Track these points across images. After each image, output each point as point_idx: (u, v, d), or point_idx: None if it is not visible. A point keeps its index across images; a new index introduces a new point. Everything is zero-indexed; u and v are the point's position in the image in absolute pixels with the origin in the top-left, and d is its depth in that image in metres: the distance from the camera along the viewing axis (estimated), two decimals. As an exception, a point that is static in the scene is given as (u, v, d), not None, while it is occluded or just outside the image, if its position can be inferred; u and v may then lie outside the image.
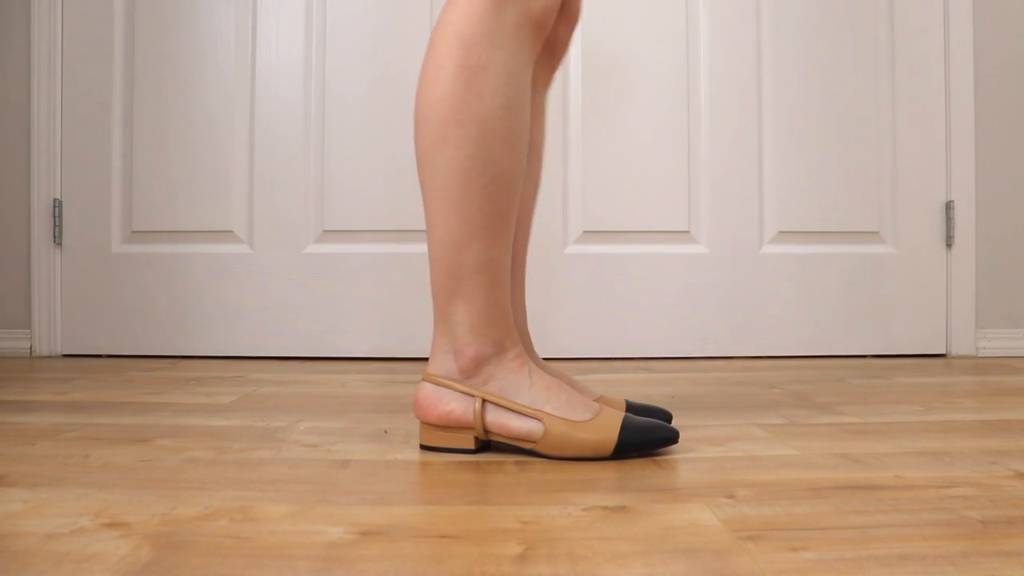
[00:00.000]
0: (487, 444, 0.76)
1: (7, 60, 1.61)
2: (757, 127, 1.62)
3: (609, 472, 0.68)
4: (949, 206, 1.63)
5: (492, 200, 0.72)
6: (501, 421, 0.73)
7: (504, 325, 0.75)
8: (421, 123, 0.73)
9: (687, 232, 1.62)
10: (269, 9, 1.61)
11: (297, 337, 1.59)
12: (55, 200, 1.60)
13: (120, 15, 1.62)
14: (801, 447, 0.77)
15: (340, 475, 0.67)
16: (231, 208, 1.61)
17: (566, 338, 1.59)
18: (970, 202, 1.62)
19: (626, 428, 0.71)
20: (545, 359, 1.58)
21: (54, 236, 1.61)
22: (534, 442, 0.72)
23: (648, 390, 1.16)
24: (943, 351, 1.63)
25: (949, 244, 1.63)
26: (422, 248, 1.60)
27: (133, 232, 1.62)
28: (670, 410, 0.98)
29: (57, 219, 1.61)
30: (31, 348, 1.61)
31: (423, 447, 0.77)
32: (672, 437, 0.73)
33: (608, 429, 0.71)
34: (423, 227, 1.60)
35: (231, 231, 1.61)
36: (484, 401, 0.73)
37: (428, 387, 0.76)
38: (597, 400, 0.83)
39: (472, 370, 0.74)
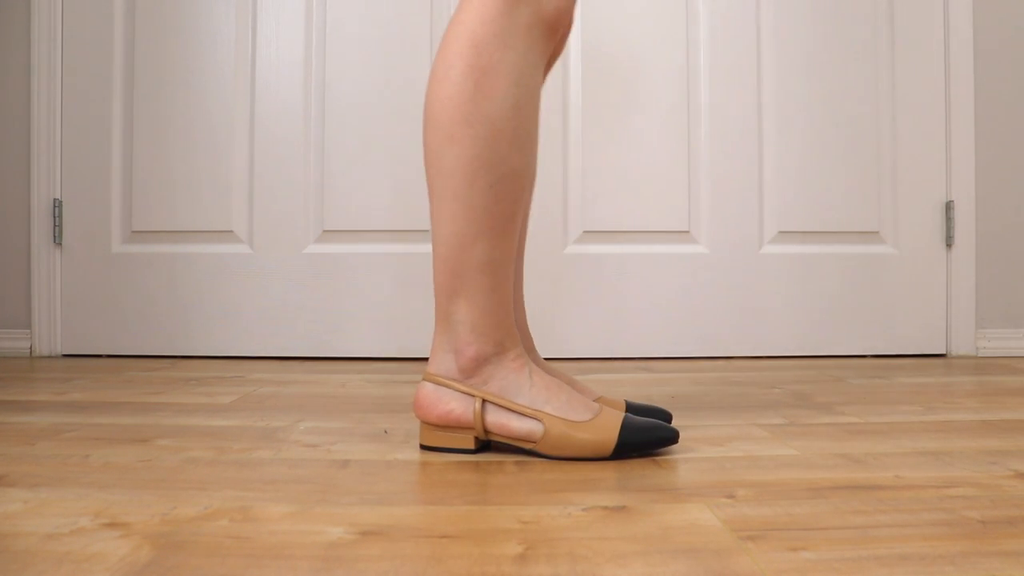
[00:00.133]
0: (487, 444, 0.76)
1: (7, 60, 1.61)
2: (757, 127, 1.62)
3: (609, 472, 0.68)
4: (949, 206, 1.63)
5: (498, 200, 0.72)
6: (501, 421, 0.73)
7: (505, 325, 0.75)
8: (430, 121, 0.73)
9: (687, 232, 1.62)
10: (269, 9, 1.61)
11: (297, 337, 1.59)
12: (55, 200, 1.60)
13: (120, 15, 1.62)
14: (801, 447, 0.77)
15: (340, 475, 0.67)
16: (231, 208, 1.61)
17: (566, 338, 1.59)
18: (970, 202, 1.62)
19: (626, 428, 0.71)
20: (545, 359, 1.58)
21: (54, 236, 1.61)
22: (534, 442, 0.72)
23: (648, 390, 1.16)
24: (943, 351, 1.63)
25: (949, 244, 1.63)
26: (422, 248, 1.60)
27: (133, 232, 1.62)
28: (670, 410, 0.98)
29: (57, 219, 1.61)
30: (31, 348, 1.61)
31: (423, 447, 0.77)
32: (672, 437, 0.73)
33: (608, 429, 0.71)
34: (423, 227, 1.60)
35: (231, 231, 1.61)
36: (484, 401, 0.73)
37: (428, 386, 0.76)
38: (597, 400, 0.83)
39: (472, 370, 0.74)
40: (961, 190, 1.62)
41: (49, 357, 1.59)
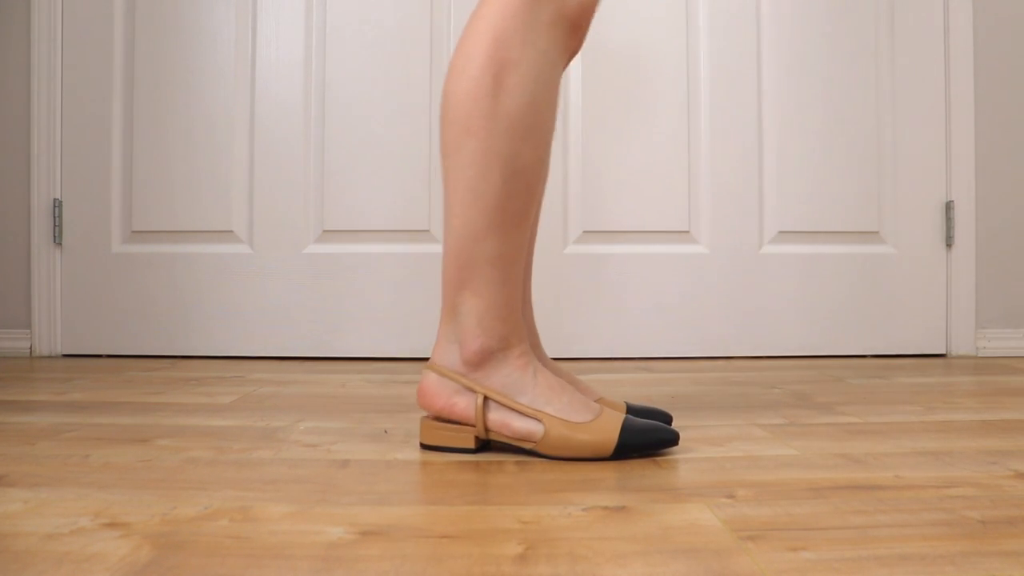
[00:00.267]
0: (487, 444, 0.76)
1: (7, 60, 1.61)
2: (757, 127, 1.62)
3: (609, 472, 0.68)
4: (949, 206, 1.63)
5: (511, 195, 0.72)
6: (502, 419, 0.73)
7: (511, 321, 0.75)
8: (447, 113, 0.73)
9: (687, 232, 1.62)
10: (269, 9, 1.61)
11: (297, 337, 1.59)
12: (55, 200, 1.60)
13: (120, 15, 1.62)
14: (801, 447, 0.77)
15: (340, 475, 0.67)
16: (231, 208, 1.61)
17: (566, 338, 1.59)
18: (970, 202, 1.62)
19: (626, 430, 0.71)
20: (545, 359, 1.58)
21: (54, 236, 1.61)
22: (534, 442, 0.72)
23: (648, 390, 1.16)
24: (943, 351, 1.63)
25: (949, 244, 1.63)
26: (422, 248, 1.60)
27: (133, 232, 1.62)
28: (671, 411, 0.98)
29: (57, 219, 1.61)
30: (31, 348, 1.61)
31: (423, 446, 0.77)
32: (672, 439, 0.73)
33: (608, 431, 0.71)
34: (423, 227, 1.60)
35: (231, 231, 1.61)
36: (486, 398, 0.73)
37: (432, 376, 0.76)
38: (597, 401, 0.83)
39: (476, 363, 0.73)
40: (961, 190, 1.62)
41: (49, 357, 1.59)
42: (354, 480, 0.65)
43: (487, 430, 0.74)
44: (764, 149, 1.62)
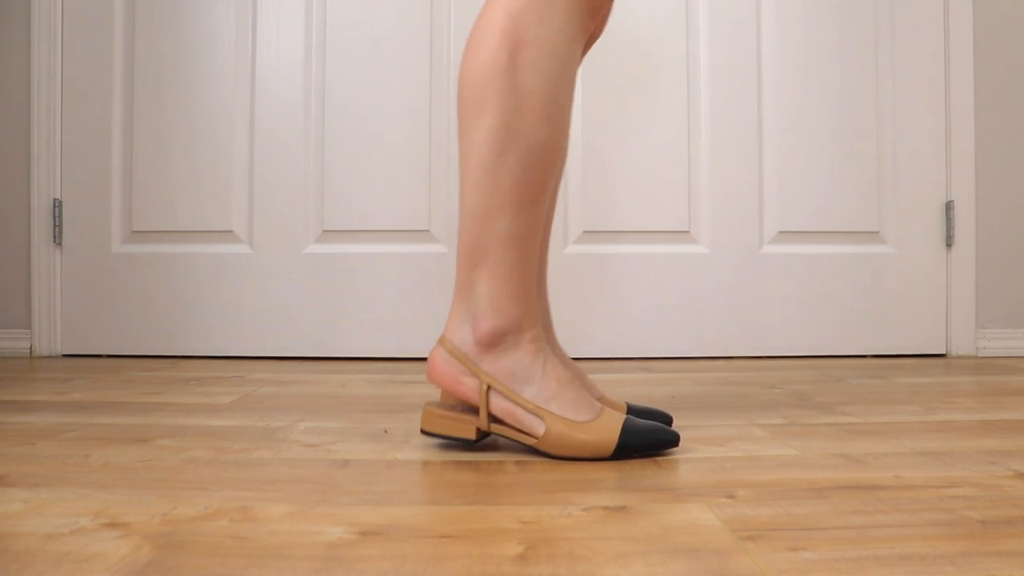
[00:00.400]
0: (486, 435, 0.76)
1: (7, 60, 1.61)
2: (757, 127, 1.62)
3: (609, 472, 0.68)
4: (949, 206, 1.63)
5: (525, 172, 0.72)
6: (507, 408, 0.73)
7: (525, 302, 0.74)
8: (463, 90, 0.73)
9: (687, 232, 1.62)
10: (269, 9, 1.61)
11: (297, 337, 1.59)
12: (55, 200, 1.60)
13: (120, 15, 1.62)
14: (801, 447, 0.77)
15: (340, 475, 0.67)
16: (231, 208, 1.61)
17: (567, 338, 1.59)
18: (970, 202, 1.62)
19: (627, 430, 0.71)
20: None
21: (54, 236, 1.61)
22: (536, 438, 0.72)
23: (648, 390, 1.16)
24: (943, 351, 1.63)
25: (949, 244, 1.63)
26: (422, 248, 1.60)
27: (133, 232, 1.62)
28: (670, 411, 0.98)
29: (57, 219, 1.61)
30: (31, 348, 1.61)
31: (424, 432, 0.76)
32: (672, 440, 0.73)
33: (608, 431, 0.71)
34: (423, 227, 1.60)
35: (231, 231, 1.61)
36: (490, 387, 0.73)
37: (442, 353, 0.75)
38: (598, 400, 0.83)
39: (488, 344, 0.73)
40: (961, 190, 1.62)
41: (49, 357, 1.59)
42: (354, 480, 0.65)
43: (490, 419, 0.74)
44: (764, 149, 1.62)
